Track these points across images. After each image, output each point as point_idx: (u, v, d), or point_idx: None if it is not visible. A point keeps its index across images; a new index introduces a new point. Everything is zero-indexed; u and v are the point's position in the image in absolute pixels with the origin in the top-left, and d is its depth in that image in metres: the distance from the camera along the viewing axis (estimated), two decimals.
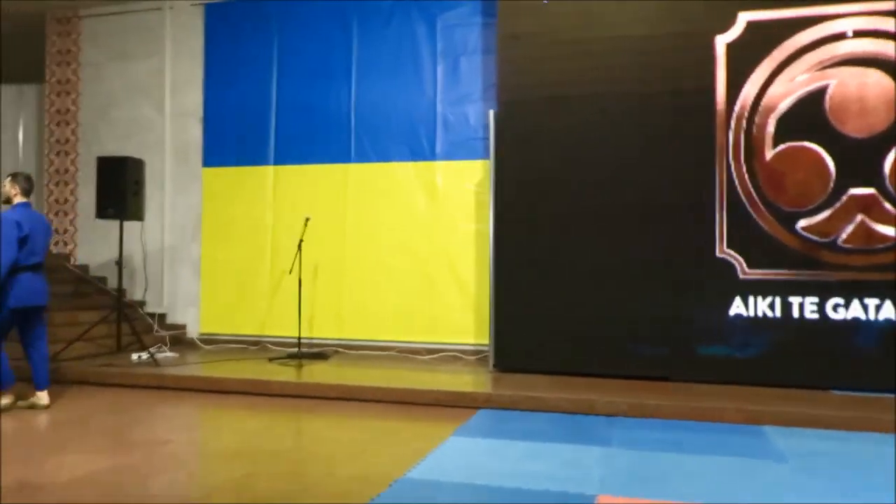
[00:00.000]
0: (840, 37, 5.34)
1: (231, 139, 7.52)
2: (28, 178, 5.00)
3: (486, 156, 6.49)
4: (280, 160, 7.35)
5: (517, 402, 4.88)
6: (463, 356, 6.62)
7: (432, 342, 6.78)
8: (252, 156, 7.44)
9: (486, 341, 6.14)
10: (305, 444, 4.21)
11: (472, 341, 6.66)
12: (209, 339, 7.42)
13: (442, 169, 6.91)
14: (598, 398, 4.80)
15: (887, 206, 5.18)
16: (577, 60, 5.85)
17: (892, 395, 4.94)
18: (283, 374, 5.75)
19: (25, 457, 3.74)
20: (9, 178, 4.97)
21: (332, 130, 7.19)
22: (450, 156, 6.89)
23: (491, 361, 5.96)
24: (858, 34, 5.30)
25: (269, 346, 7.15)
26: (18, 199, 4.93)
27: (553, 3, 5.95)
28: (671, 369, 5.50)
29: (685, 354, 5.50)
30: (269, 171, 7.38)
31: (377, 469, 3.55)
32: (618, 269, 5.67)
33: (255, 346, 7.21)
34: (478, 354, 6.54)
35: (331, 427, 4.55)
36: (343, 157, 7.16)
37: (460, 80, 6.92)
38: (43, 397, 4.97)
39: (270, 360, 6.42)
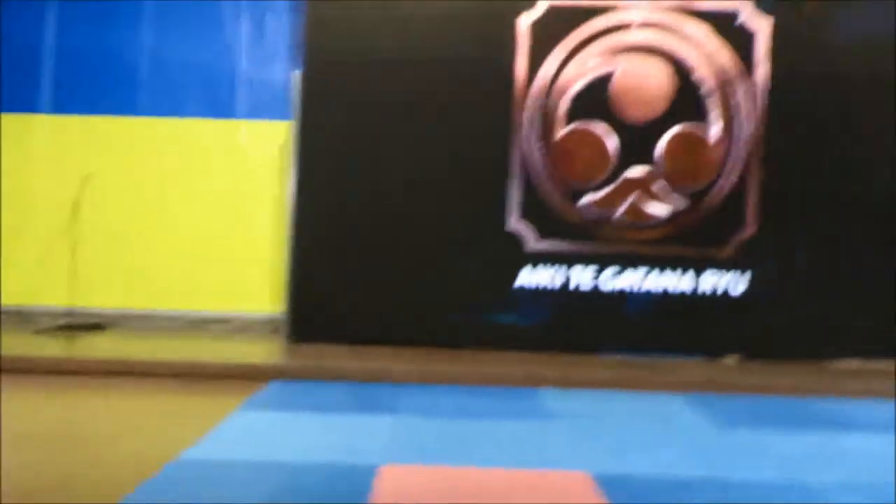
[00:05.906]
0: (627, 26, 5.71)
1: None
2: None
3: (290, 117, 6.23)
4: (57, 109, 6.54)
5: (310, 373, 4.79)
6: (257, 326, 6.35)
7: (224, 311, 6.44)
8: (18, 103, 6.53)
9: (282, 310, 5.96)
10: (71, 428, 3.83)
11: (266, 310, 6.37)
12: None
13: (243, 128, 6.53)
14: (392, 366, 4.86)
15: (657, 186, 5.68)
16: (386, 25, 5.77)
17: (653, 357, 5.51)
18: (52, 347, 5.21)
19: None
20: None
21: (119, 79, 6.50)
22: (252, 115, 6.53)
23: (286, 331, 5.81)
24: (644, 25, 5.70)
25: (37, 316, 6.40)
26: None
27: None
28: (462, 336, 5.67)
29: (476, 322, 5.72)
30: (43, 120, 6.55)
31: (152, 450, 3.30)
32: (418, 238, 5.75)
33: (19, 316, 6.42)
34: (272, 324, 6.30)
35: (103, 406, 4.18)
36: (132, 108, 6.52)
37: (266, 36, 6.55)
38: None
39: (37, 332, 5.80)
